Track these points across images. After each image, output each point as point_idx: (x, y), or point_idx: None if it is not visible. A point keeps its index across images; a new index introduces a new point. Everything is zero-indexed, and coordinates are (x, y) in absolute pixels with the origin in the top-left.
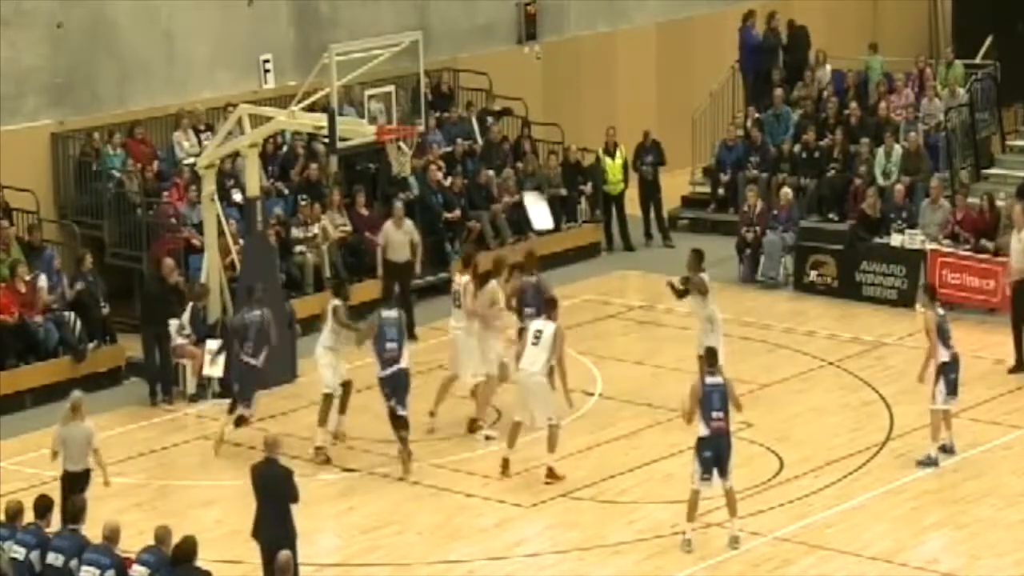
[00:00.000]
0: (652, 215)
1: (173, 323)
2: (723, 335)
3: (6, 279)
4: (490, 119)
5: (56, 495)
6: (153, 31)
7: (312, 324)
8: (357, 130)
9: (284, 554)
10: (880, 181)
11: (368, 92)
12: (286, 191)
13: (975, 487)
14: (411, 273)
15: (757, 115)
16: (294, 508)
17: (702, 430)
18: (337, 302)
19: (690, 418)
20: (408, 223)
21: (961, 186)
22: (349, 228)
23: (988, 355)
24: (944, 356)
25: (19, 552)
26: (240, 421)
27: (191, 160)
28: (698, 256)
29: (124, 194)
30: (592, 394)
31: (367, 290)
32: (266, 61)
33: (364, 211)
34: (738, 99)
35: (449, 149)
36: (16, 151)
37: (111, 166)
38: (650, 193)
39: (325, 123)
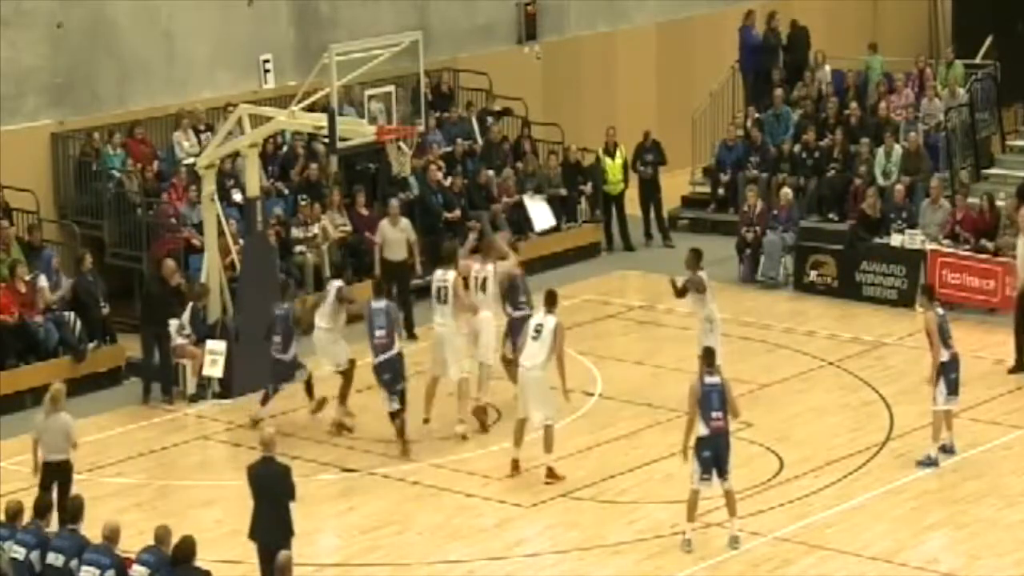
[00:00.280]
0: (652, 215)
1: (173, 323)
2: (722, 335)
3: (6, 279)
4: (490, 119)
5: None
6: (153, 31)
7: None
8: (357, 130)
9: (284, 554)
10: (880, 181)
11: (368, 92)
12: (286, 191)
13: (975, 487)
14: (408, 272)
15: (757, 115)
16: (293, 508)
17: (701, 430)
18: (339, 282)
19: (691, 418)
20: (404, 221)
21: (961, 186)
22: (349, 228)
23: (988, 355)
24: (944, 356)
25: (19, 552)
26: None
27: (191, 160)
28: (696, 255)
29: (124, 194)
30: (592, 394)
31: (367, 289)
32: (266, 61)
33: (364, 211)
34: (738, 99)
35: (449, 149)
36: (16, 151)
37: (111, 166)
38: (650, 193)
39: (325, 123)
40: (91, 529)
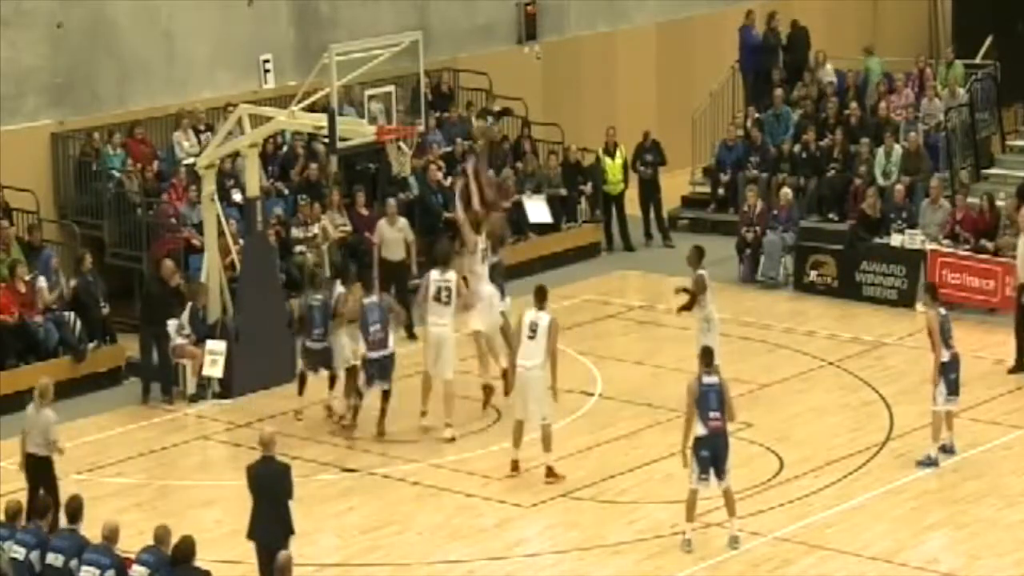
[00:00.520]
0: (652, 215)
1: (172, 323)
2: (722, 335)
3: (6, 279)
4: (490, 119)
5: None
6: (153, 31)
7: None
8: (357, 130)
9: (284, 554)
10: (880, 181)
11: (368, 92)
12: (286, 191)
13: (975, 487)
14: (407, 272)
15: (757, 115)
16: (292, 507)
17: (699, 430)
18: (340, 289)
19: (689, 418)
20: (402, 221)
21: (961, 186)
22: (349, 228)
23: (988, 355)
24: (944, 356)
25: (19, 552)
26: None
27: (191, 160)
28: (699, 253)
29: (124, 194)
30: (592, 394)
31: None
32: (266, 61)
33: (364, 211)
34: (738, 99)
35: (449, 149)
36: (16, 151)
37: (111, 166)
38: (650, 193)
39: (325, 123)
40: (91, 529)
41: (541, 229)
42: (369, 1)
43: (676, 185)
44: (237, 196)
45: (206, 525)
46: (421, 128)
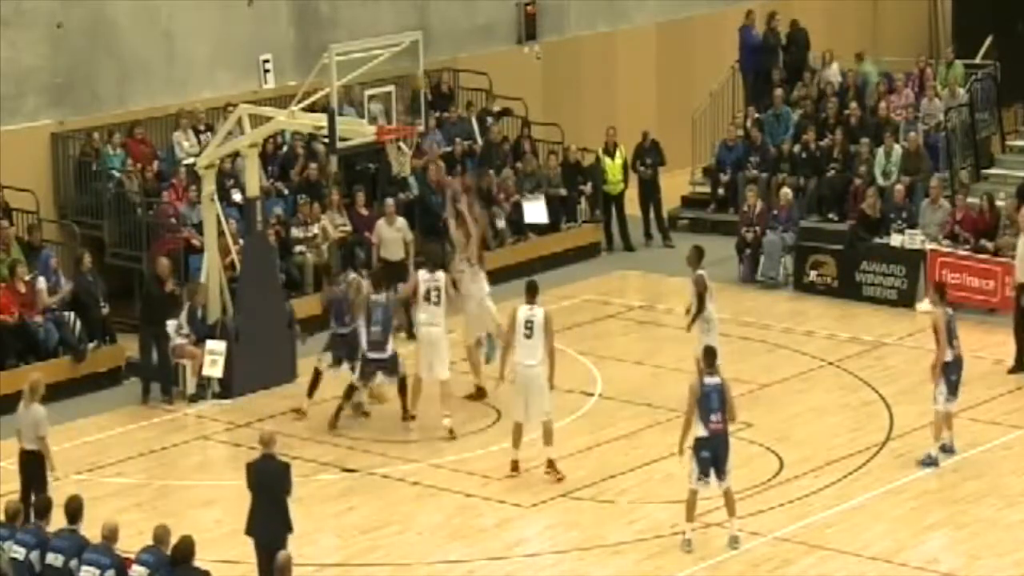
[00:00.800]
0: (652, 215)
1: (171, 323)
2: (722, 335)
3: (6, 279)
4: (490, 119)
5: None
6: (153, 31)
7: (312, 324)
8: (357, 130)
9: (284, 554)
10: (880, 181)
11: (368, 92)
12: (286, 191)
13: (975, 487)
14: (405, 272)
15: (757, 115)
16: (291, 505)
17: (700, 430)
18: (352, 275)
19: (689, 418)
20: (400, 220)
21: (961, 186)
22: (349, 228)
23: (988, 355)
24: (947, 356)
25: (19, 552)
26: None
27: (191, 160)
28: (699, 252)
29: (124, 194)
30: (592, 394)
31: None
32: (266, 61)
33: (364, 211)
34: (738, 99)
35: (449, 149)
36: (16, 151)
37: (111, 166)
38: (650, 193)
39: (325, 123)
40: (90, 529)
41: (541, 229)
42: (369, 1)
43: (676, 185)
44: (237, 196)
45: (206, 525)
46: (421, 128)
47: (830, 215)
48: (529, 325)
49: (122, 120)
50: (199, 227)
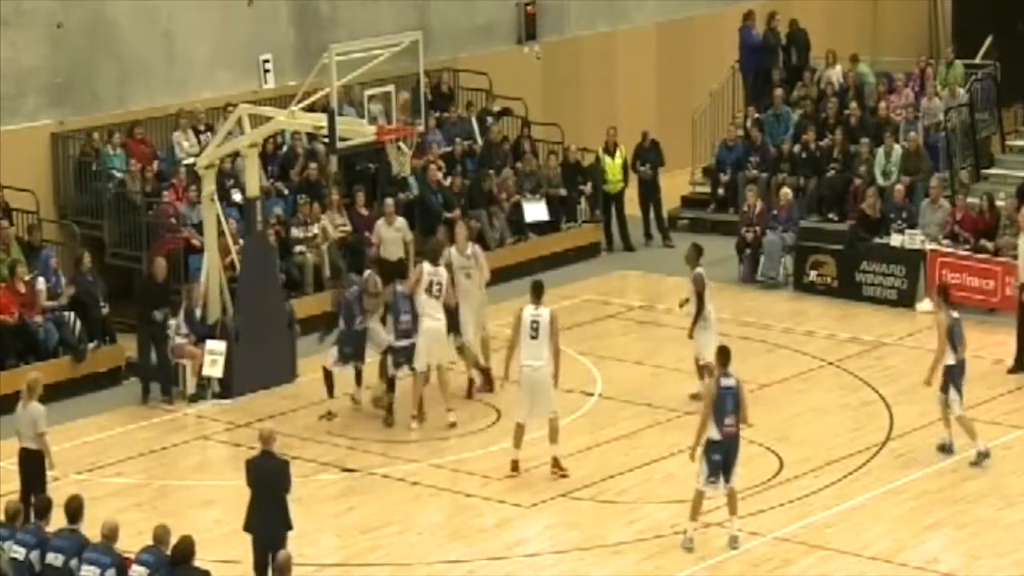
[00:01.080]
0: (652, 215)
1: (170, 323)
2: (721, 335)
3: (6, 279)
4: (490, 119)
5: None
6: (153, 31)
7: (312, 325)
8: (357, 130)
9: (284, 553)
10: (880, 181)
11: (368, 92)
12: (286, 191)
13: (975, 487)
14: (405, 271)
15: (757, 115)
16: (290, 502)
17: (714, 433)
18: (366, 272)
19: (705, 419)
20: (400, 220)
21: (961, 186)
22: (349, 228)
23: (988, 355)
24: (951, 359)
25: (19, 552)
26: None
27: (191, 160)
28: (697, 251)
29: (124, 194)
30: (592, 394)
31: None
32: (266, 61)
33: (364, 211)
34: (738, 99)
35: (449, 149)
36: (16, 151)
37: (111, 166)
38: (649, 193)
39: (325, 123)
40: (90, 529)
41: (541, 229)
42: (369, 1)
43: (676, 185)
44: (237, 196)
45: (206, 525)
46: (421, 128)
47: (830, 215)
48: (535, 326)
49: (122, 120)
50: (199, 227)
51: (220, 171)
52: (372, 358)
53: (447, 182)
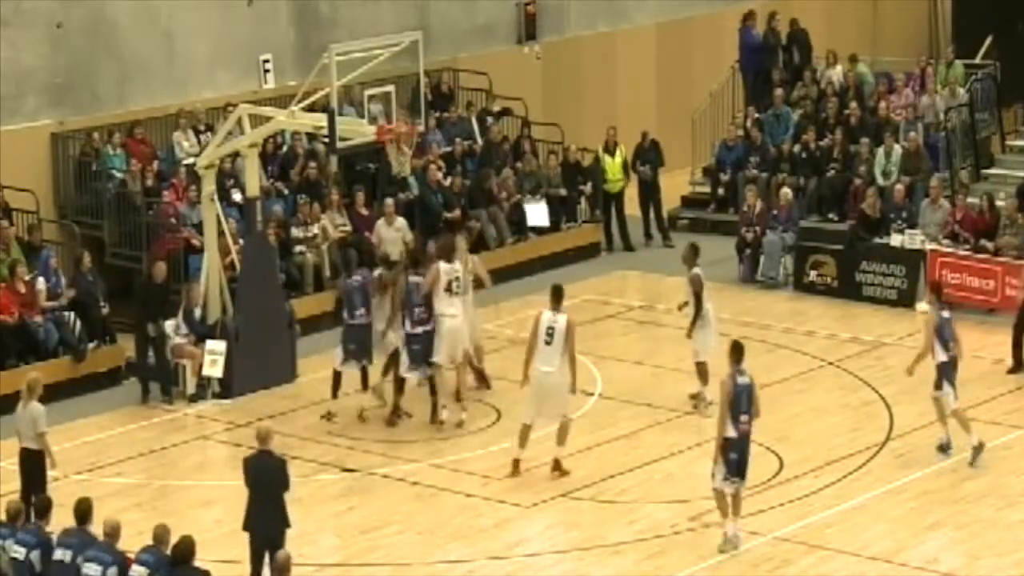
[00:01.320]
0: (652, 215)
1: (169, 323)
2: (722, 334)
3: (6, 279)
4: (490, 119)
5: (55, 495)
6: (153, 31)
7: (312, 325)
8: (357, 130)
9: (283, 553)
10: (880, 181)
11: (368, 92)
12: (286, 191)
13: (975, 487)
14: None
15: (757, 115)
16: (288, 500)
17: (730, 431)
18: (378, 270)
19: (723, 419)
20: (400, 220)
21: (961, 186)
22: (349, 228)
23: (988, 355)
24: (942, 357)
25: (19, 552)
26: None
27: (191, 160)
28: (694, 250)
29: (124, 194)
30: (592, 394)
31: None
32: (266, 61)
33: (364, 211)
34: (738, 99)
35: (449, 149)
36: (16, 151)
37: (111, 166)
38: (649, 193)
39: (325, 123)
40: (93, 528)
41: (541, 229)
42: (369, 1)
43: (676, 185)
44: (237, 196)
45: (206, 525)
46: (421, 128)
47: (830, 215)
48: (550, 331)
49: (122, 120)
50: (199, 227)
51: (220, 171)
52: (380, 359)
53: (447, 182)
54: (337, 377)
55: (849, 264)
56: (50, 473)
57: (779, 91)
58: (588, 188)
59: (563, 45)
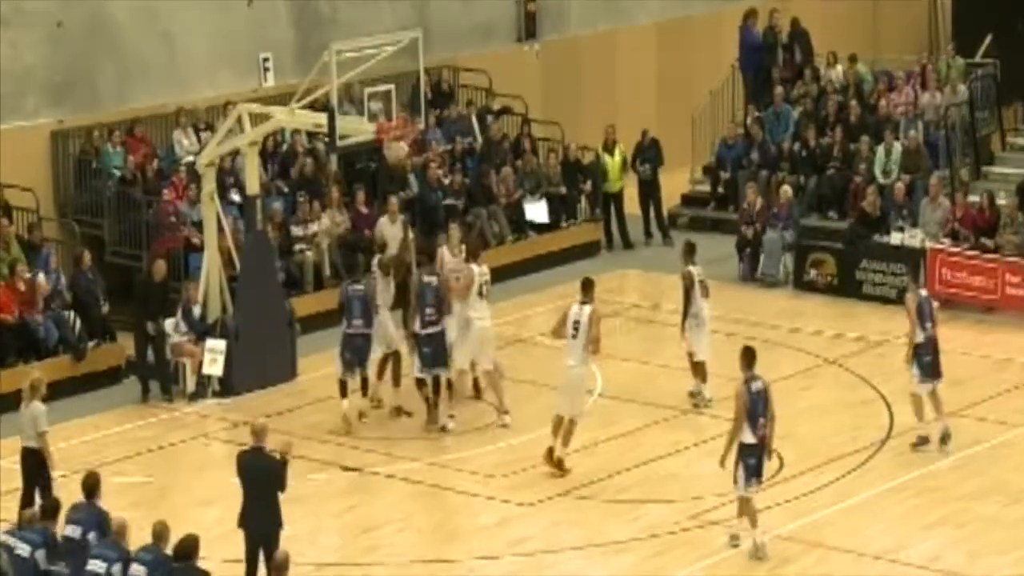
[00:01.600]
0: (652, 213)
1: (169, 322)
2: (722, 334)
3: (6, 278)
4: (490, 117)
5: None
6: (153, 30)
7: (312, 323)
8: (357, 128)
9: (282, 552)
10: (880, 179)
11: (368, 90)
12: (286, 189)
13: (976, 485)
14: (409, 269)
15: (757, 113)
16: (283, 500)
17: (748, 437)
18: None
19: (738, 425)
20: (402, 218)
21: (961, 184)
22: (349, 226)
23: (988, 354)
24: (919, 337)
25: (24, 549)
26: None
27: (191, 158)
28: (690, 247)
29: (124, 192)
30: (592, 393)
31: None
32: (266, 60)
33: (364, 209)
34: (738, 98)
35: (449, 147)
36: (16, 150)
37: (111, 164)
38: (649, 192)
39: (325, 121)
40: None
41: (540, 227)
42: (369, 1)
43: (676, 183)
44: (236, 195)
45: (206, 524)
46: (421, 126)
47: (830, 213)
48: (576, 326)
49: (122, 119)
50: (199, 225)
51: (220, 169)
52: (376, 354)
53: (447, 180)
54: (343, 385)
55: (849, 262)
56: (54, 472)
57: (779, 89)
58: (588, 186)
59: (563, 44)
